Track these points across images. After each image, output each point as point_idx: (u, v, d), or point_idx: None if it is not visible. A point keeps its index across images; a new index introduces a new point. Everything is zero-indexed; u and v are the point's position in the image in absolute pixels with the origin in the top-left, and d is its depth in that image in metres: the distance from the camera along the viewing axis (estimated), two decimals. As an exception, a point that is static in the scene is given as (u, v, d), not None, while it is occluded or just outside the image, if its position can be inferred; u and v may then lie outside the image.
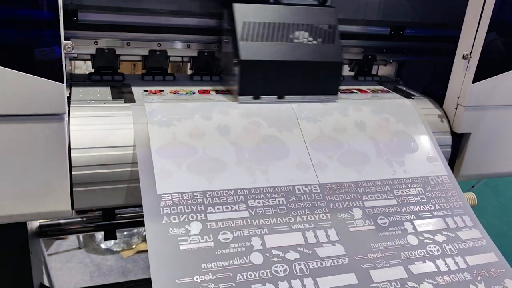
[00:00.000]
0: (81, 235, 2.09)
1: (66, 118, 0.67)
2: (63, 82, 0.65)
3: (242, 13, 0.85)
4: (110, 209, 1.11)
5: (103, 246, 2.13)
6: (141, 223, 1.21)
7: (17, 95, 0.62)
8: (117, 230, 1.19)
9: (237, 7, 0.85)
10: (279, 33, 0.86)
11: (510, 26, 0.86)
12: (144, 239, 2.21)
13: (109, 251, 2.11)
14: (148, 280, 0.61)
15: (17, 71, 0.61)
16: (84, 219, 1.14)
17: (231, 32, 0.85)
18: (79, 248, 2.10)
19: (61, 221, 1.12)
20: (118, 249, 2.12)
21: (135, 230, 2.17)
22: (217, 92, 0.91)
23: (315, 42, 0.88)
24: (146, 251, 1.99)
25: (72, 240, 2.14)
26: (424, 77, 1.09)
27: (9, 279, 0.89)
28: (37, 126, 0.65)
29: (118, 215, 1.14)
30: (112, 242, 2.12)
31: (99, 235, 2.15)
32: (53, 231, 1.11)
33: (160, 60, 0.93)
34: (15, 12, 0.60)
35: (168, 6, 0.92)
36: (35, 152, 0.66)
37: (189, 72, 1.00)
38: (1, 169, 0.66)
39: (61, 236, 2.12)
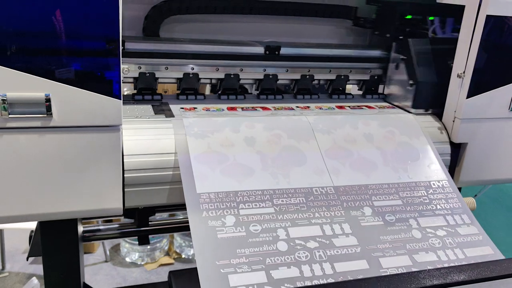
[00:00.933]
0: (107, 249, 2.22)
1: (121, 129, 0.81)
2: (120, 99, 0.78)
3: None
4: (144, 216, 1.23)
5: (127, 259, 2.25)
6: (169, 230, 1.34)
7: (85, 110, 0.76)
8: (140, 245, 1.33)
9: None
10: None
11: (497, 49, 0.99)
12: (166, 253, 2.33)
13: (133, 264, 2.23)
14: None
15: (86, 90, 0.75)
16: (119, 225, 1.27)
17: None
18: (106, 261, 2.22)
19: (101, 227, 1.25)
20: (142, 263, 2.24)
21: (158, 245, 2.29)
22: (243, 109, 1.04)
23: None
24: (168, 264, 2.09)
25: (98, 254, 2.26)
26: (427, 93, 1.21)
27: (61, 272, 1.01)
28: (98, 135, 0.79)
29: (150, 222, 1.27)
30: (137, 255, 2.24)
31: (124, 248, 2.27)
32: (95, 236, 1.24)
33: (192, 82, 1.07)
34: (87, 45, 0.74)
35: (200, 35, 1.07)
36: (95, 157, 0.80)
37: (207, 92, 1.14)
38: (65, 171, 0.79)
39: (89, 251, 2.24)
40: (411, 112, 1.11)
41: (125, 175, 0.83)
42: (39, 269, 2.04)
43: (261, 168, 0.90)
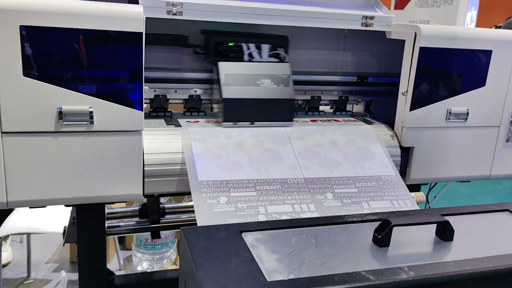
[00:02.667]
0: (121, 259, 2.47)
1: (142, 134, 1.10)
2: (142, 111, 1.07)
3: (225, 68, 1.28)
4: (157, 217, 1.50)
5: (139, 268, 2.50)
6: (176, 227, 1.60)
7: (116, 118, 1.05)
8: (153, 238, 1.59)
9: (221, 64, 1.28)
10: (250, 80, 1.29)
11: (430, 73, 1.28)
12: (173, 263, 2.57)
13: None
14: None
15: (118, 104, 1.04)
16: (136, 222, 1.54)
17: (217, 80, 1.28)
18: (119, 269, 2.47)
19: (121, 224, 1.52)
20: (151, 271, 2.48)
21: (165, 254, 2.53)
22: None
23: (275, 86, 1.30)
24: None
25: (113, 263, 2.51)
26: (384, 110, 1.50)
27: (91, 255, 1.28)
28: (125, 138, 1.07)
29: (161, 220, 1.54)
30: (147, 264, 2.48)
31: (136, 258, 2.52)
32: (115, 231, 1.50)
33: (196, 102, 1.36)
34: (120, 74, 1.04)
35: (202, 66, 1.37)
36: (122, 154, 1.08)
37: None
38: (99, 165, 1.07)
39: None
40: (370, 124, 1.39)
41: (145, 169, 1.11)
42: (60, 277, 2.29)
43: (248, 164, 1.18)
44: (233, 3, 1.20)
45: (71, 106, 1.01)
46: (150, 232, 1.55)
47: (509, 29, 1.66)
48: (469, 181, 1.46)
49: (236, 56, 1.37)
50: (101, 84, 1.03)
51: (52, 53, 0.98)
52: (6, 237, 2.03)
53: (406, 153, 1.35)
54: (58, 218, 1.99)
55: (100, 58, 1.02)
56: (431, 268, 0.68)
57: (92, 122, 1.03)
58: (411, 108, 1.29)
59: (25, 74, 0.97)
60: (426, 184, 1.48)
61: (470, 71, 1.31)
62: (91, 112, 1.03)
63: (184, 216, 1.59)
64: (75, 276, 2.25)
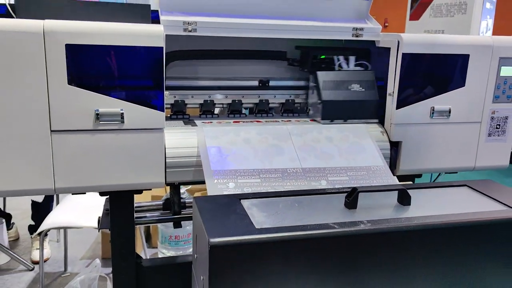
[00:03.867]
0: (148, 256, 2.68)
1: (164, 131, 1.31)
2: (163, 112, 1.29)
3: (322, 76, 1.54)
4: (178, 210, 1.71)
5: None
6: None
7: (142, 118, 1.27)
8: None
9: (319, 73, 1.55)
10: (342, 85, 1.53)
11: (412, 76, 1.46)
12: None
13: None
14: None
15: (144, 107, 1.26)
16: (160, 214, 1.75)
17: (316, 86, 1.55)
18: (146, 265, 2.69)
19: (147, 214, 1.74)
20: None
21: (188, 250, 2.74)
22: (243, 122, 1.53)
23: (363, 89, 1.52)
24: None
25: (140, 259, 2.73)
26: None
27: (123, 240, 1.49)
28: (150, 134, 1.29)
29: (182, 211, 1.75)
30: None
31: (161, 254, 2.73)
32: (143, 221, 1.72)
33: (209, 106, 1.57)
34: (145, 83, 1.26)
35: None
36: (148, 148, 1.29)
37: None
38: (129, 158, 1.28)
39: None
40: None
41: (166, 160, 1.32)
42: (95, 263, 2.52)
43: (254, 157, 1.38)
44: (239, 20, 1.42)
45: (106, 108, 1.24)
46: (173, 222, 1.76)
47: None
48: (456, 173, 1.63)
49: (328, 66, 1.65)
50: (130, 90, 1.25)
51: (91, 66, 1.21)
52: (46, 234, 2.27)
53: (395, 147, 1.52)
54: (91, 215, 2.22)
55: (128, 69, 1.24)
56: (386, 222, 0.86)
57: (123, 122, 1.25)
58: (398, 107, 1.47)
59: (69, 83, 1.20)
60: (419, 176, 1.64)
61: (450, 73, 1.48)
62: (122, 114, 1.25)
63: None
64: (106, 270, 2.47)
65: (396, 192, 1.01)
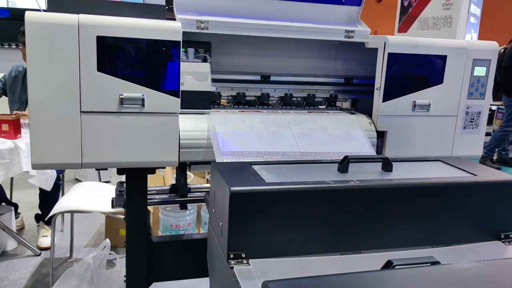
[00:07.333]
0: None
1: (178, 116, 1.48)
2: (179, 98, 1.46)
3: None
4: (184, 193, 1.88)
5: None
6: (200, 201, 1.98)
7: (160, 103, 1.44)
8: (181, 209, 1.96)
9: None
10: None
11: (396, 73, 1.65)
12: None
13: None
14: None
15: (162, 93, 1.44)
16: (168, 196, 1.92)
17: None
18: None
19: (157, 197, 1.90)
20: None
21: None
22: (247, 112, 1.71)
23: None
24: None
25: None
26: (366, 105, 1.87)
27: (137, 216, 1.65)
28: (167, 118, 1.46)
29: (189, 194, 1.92)
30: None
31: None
32: (153, 202, 1.88)
33: (217, 98, 1.75)
34: (165, 75, 1.44)
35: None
36: (164, 130, 1.46)
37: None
38: (147, 138, 1.45)
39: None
40: (353, 114, 1.77)
41: (180, 142, 1.50)
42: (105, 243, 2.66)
43: (257, 141, 1.56)
44: (246, 21, 1.61)
45: (129, 93, 1.41)
46: (179, 204, 1.93)
47: None
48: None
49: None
50: (150, 78, 1.43)
51: (117, 55, 1.38)
52: (52, 222, 2.41)
53: (381, 137, 1.71)
54: (99, 202, 2.38)
55: (150, 59, 1.42)
56: (371, 181, 1.05)
57: (143, 105, 1.43)
58: (383, 100, 1.67)
59: (99, 70, 1.37)
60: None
61: (429, 71, 1.68)
62: (143, 99, 1.42)
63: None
64: (111, 257, 2.62)
65: (380, 164, 1.20)
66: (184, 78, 1.57)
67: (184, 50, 1.67)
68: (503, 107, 5.40)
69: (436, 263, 0.91)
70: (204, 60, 1.70)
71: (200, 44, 1.72)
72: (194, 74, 1.60)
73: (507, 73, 5.14)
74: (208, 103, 1.62)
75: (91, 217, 3.23)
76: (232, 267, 0.93)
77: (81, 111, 1.38)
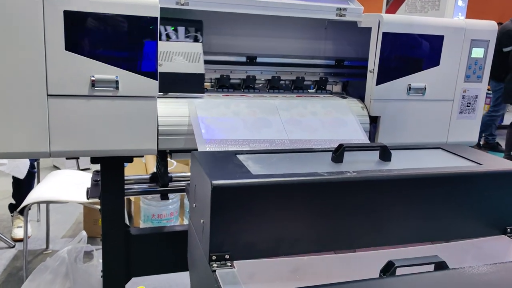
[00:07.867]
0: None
1: (157, 99, 1.36)
2: (157, 80, 1.34)
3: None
4: (165, 183, 1.76)
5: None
6: (183, 191, 1.86)
7: (136, 86, 1.31)
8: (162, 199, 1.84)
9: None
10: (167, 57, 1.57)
11: (391, 54, 1.55)
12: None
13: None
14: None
15: (138, 74, 1.31)
16: (148, 186, 1.80)
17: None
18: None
19: (136, 187, 1.78)
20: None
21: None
22: (232, 96, 1.59)
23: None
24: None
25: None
26: (358, 89, 1.77)
27: (112, 207, 1.54)
28: (144, 102, 1.33)
29: (170, 183, 1.80)
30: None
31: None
32: (131, 192, 1.76)
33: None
34: (143, 55, 1.30)
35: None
36: (141, 115, 1.33)
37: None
38: (122, 124, 1.33)
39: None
40: (345, 98, 1.66)
41: (159, 128, 1.38)
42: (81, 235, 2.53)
43: (243, 128, 1.44)
44: (231, -4, 1.48)
45: (101, 75, 1.28)
46: (160, 194, 1.82)
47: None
48: (431, 148, 1.73)
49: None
50: (125, 58, 1.30)
51: (87, 33, 1.25)
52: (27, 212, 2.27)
53: (374, 122, 1.61)
54: (74, 191, 2.25)
55: (124, 37, 1.29)
56: (367, 172, 0.94)
57: (117, 88, 1.30)
58: (377, 83, 1.56)
59: (67, 48, 1.24)
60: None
61: (425, 53, 1.58)
62: (117, 81, 1.29)
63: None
64: (88, 248, 2.50)
65: (378, 152, 1.10)
66: (174, 59, 1.45)
67: (173, 28, 1.54)
68: (491, 92, 5.36)
69: (442, 263, 0.82)
70: (196, 39, 1.57)
71: (190, 22, 1.58)
72: (185, 55, 1.48)
73: (496, 57, 5.09)
74: (201, 86, 1.50)
75: (69, 206, 3.09)
76: (215, 271, 0.83)
77: (48, 95, 1.25)
